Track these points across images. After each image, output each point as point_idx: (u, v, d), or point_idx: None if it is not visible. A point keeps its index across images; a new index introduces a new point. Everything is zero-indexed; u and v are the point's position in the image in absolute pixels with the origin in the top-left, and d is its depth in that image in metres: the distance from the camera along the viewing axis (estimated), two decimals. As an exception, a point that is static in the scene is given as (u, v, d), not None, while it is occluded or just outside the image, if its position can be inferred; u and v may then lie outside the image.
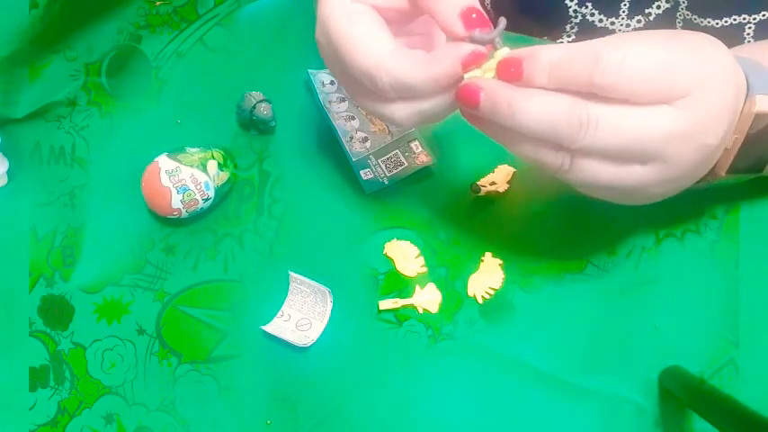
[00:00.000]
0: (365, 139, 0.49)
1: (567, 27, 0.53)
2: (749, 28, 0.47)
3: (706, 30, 0.49)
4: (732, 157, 0.37)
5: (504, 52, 0.34)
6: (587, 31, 0.53)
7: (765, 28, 0.47)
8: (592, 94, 0.31)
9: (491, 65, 0.34)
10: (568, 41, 0.54)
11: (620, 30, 0.52)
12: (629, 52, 0.31)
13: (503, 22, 0.33)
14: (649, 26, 0.51)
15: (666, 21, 0.51)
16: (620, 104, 0.31)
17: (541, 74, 0.32)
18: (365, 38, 0.35)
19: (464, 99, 0.34)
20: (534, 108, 0.32)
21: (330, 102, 0.50)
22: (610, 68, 0.31)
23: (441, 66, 0.33)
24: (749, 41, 0.48)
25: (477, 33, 0.33)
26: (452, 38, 0.34)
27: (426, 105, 0.35)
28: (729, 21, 0.47)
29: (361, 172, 0.49)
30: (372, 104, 0.37)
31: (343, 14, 0.35)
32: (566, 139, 0.32)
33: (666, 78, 0.31)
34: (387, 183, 0.48)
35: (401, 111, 0.36)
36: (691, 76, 0.31)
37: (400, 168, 0.48)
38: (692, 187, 0.37)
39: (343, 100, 0.51)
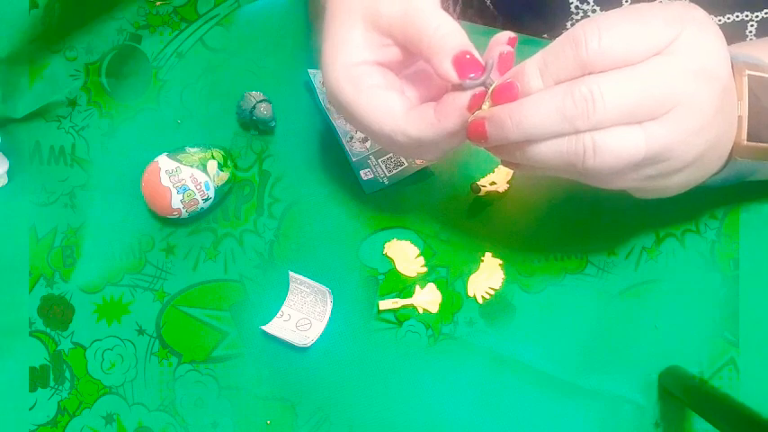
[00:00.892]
0: (365, 139, 0.49)
1: (568, 24, 0.53)
2: (751, 26, 0.47)
3: None
4: (746, 122, 0.37)
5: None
6: None
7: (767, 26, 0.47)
8: (588, 74, 0.32)
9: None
10: None
11: None
12: (602, 23, 0.32)
13: (490, 62, 0.35)
14: None
15: None
16: (616, 69, 0.32)
17: (534, 80, 0.33)
18: (376, 104, 0.37)
19: (475, 136, 0.35)
20: (535, 107, 0.32)
21: (330, 102, 0.50)
22: (590, 43, 0.32)
23: (450, 119, 0.35)
24: (751, 39, 0.48)
25: (468, 81, 0.34)
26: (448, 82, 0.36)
27: (446, 146, 0.38)
28: (732, 18, 0.47)
29: (362, 172, 0.49)
30: (395, 150, 0.41)
31: (349, 83, 0.37)
32: (579, 118, 0.32)
33: (645, 32, 0.32)
34: (387, 183, 0.48)
35: (424, 155, 0.39)
36: (668, 24, 0.32)
37: (400, 168, 0.48)
38: (717, 176, 0.38)
39: None
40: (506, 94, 0.34)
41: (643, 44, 0.32)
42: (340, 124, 0.50)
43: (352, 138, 0.50)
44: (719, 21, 0.48)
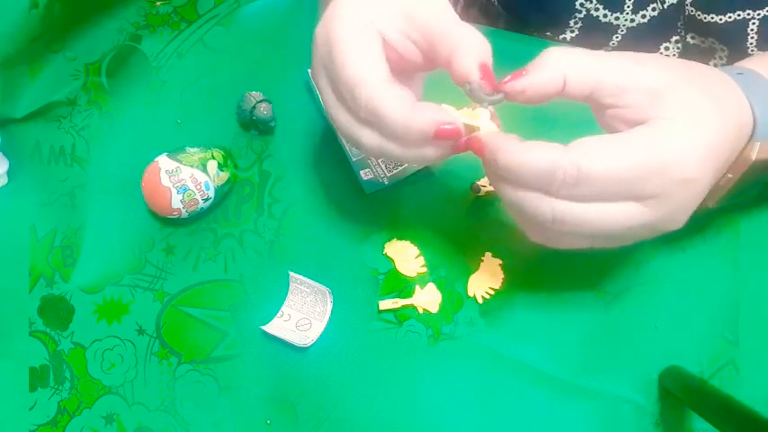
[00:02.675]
0: None
1: (571, 22, 0.53)
2: (753, 24, 0.47)
3: (709, 26, 0.49)
4: (724, 193, 0.38)
5: (485, 116, 0.36)
6: (591, 26, 0.52)
7: None
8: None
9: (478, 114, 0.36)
10: (571, 37, 0.54)
11: (624, 25, 0.52)
12: (585, 164, 0.32)
13: (500, 96, 0.35)
14: (654, 22, 0.51)
15: (671, 16, 0.51)
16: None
17: (495, 169, 0.35)
18: (364, 53, 0.35)
19: (473, 149, 0.36)
20: (526, 157, 0.33)
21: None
22: (567, 182, 0.32)
23: (419, 120, 0.34)
24: (753, 38, 0.47)
25: (476, 85, 0.35)
26: (459, 79, 0.36)
27: (391, 146, 0.36)
28: (733, 16, 0.47)
29: (362, 172, 0.49)
30: (344, 118, 0.37)
31: (352, 23, 0.36)
32: (552, 186, 0.33)
33: (628, 185, 0.32)
34: (387, 183, 0.48)
35: (368, 138, 0.36)
36: (658, 183, 0.32)
37: (400, 168, 0.48)
38: None
39: None
40: (475, 147, 0.36)
41: (619, 193, 0.33)
42: None
43: None
44: (721, 20, 0.48)
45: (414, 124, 0.34)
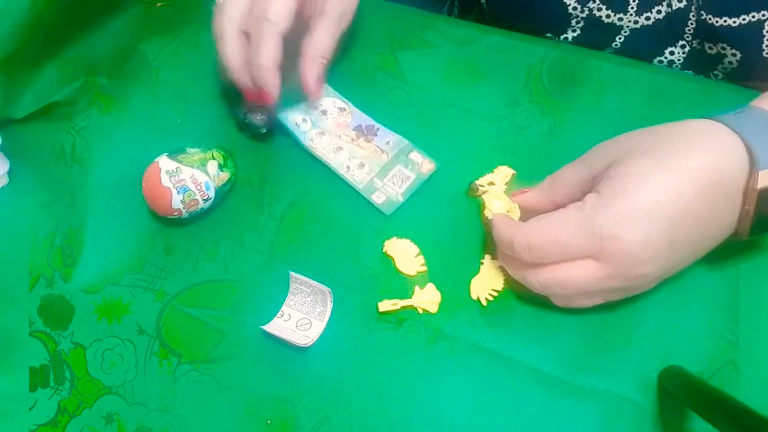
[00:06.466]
0: (362, 165, 0.49)
1: (573, 22, 0.53)
2: None
3: (722, 30, 0.48)
4: (749, 225, 0.39)
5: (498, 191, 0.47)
6: (593, 26, 0.52)
7: None
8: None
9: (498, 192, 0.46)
10: (573, 36, 0.54)
11: (627, 26, 0.51)
12: (527, 237, 0.40)
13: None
14: (659, 25, 0.51)
15: (678, 20, 0.50)
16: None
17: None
18: None
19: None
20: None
21: (311, 139, 0.50)
22: (522, 249, 0.40)
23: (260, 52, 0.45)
24: None
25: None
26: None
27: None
28: (748, 18, 0.46)
29: (372, 196, 0.48)
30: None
31: None
32: (518, 254, 0.41)
33: (567, 246, 0.38)
34: (403, 199, 0.48)
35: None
36: (586, 245, 0.38)
37: (409, 182, 0.48)
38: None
39: (322, 134, 0.50)
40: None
41: (562, 255, 0.39)
42: (330, 158, 0.49)
43: (348, 168, 0.49)
44: (735, 23, 0.47)
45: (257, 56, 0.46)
